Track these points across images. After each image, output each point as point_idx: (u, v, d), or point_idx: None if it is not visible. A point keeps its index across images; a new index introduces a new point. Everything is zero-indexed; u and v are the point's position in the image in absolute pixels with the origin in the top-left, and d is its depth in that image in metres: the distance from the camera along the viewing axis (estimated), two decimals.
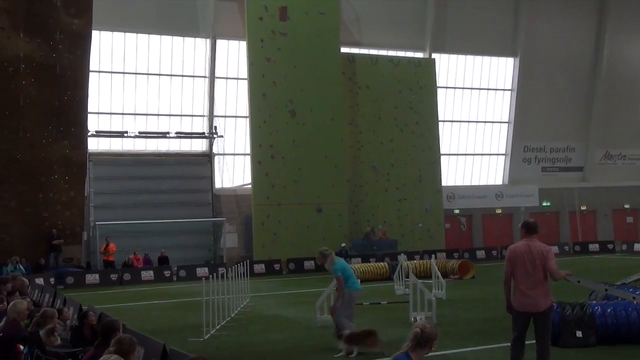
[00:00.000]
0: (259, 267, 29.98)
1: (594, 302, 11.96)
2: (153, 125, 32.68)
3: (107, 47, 31.53)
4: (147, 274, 28.56)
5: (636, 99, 41.41)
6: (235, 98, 33.66)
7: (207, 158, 33.36)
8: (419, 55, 36.86)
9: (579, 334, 10.74)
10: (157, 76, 32.66)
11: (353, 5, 35.04)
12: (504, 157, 39.75)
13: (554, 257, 8.25)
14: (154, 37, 32.29)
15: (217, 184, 33.59)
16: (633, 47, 41.18)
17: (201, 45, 33.10)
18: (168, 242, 31.00)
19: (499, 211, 38.69)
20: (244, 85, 32.68)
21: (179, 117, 33.11)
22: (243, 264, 18.62)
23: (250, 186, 32.02)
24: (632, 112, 41.40)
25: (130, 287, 26.53)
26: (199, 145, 33.67)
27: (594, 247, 37.12)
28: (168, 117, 32.90)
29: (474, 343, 11.48)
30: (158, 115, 32.80)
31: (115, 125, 32.04)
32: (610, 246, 37.12)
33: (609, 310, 10.95)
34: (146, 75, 32.45)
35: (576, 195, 40.43)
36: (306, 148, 31.79)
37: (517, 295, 8.18)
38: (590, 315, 10.86)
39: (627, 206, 41.67)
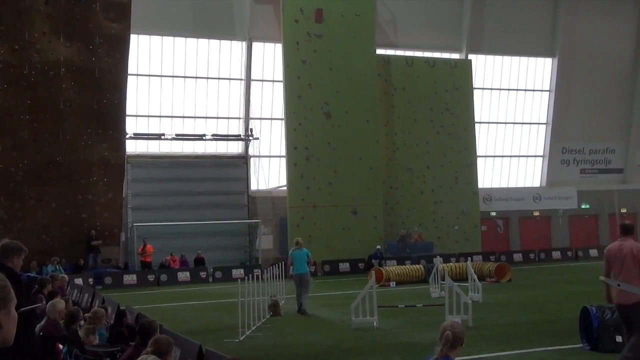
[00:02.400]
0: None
1: None
2: (190, 128, 33.01)
3: (145, 51, 31.92)
4: (184, 275, 28.82)
5: None
6: (270, 100, 33.81)
7: (242, 160, 33.55)
8: (455, 56, 36.60)
9: (618, 338, 10.54)
10: (194, 79, 32.95)
11: (388, 7, 34.94)
12: (541, 158, 39.26)
13: None
14: (191, 41, 32.59)
15: (253, 186, 33.78)
16: None
17: (237, 48, 33.32)
18: (204, 244, 31.22)
19: (536, 214, 38.22)
20: (279, 88, 32.81)
21: (215, 120, 33.37)
22: (278, 265, 18.66)
23: (285, 188, 32.10)
24: None
25: (167, 287, 26.79)
26: (235, 148, 33.88)
27: None
28: (204, 119, 33.18)
29: (510, 347, 11.34)
30: (195, 117, 33.09)
31: (153, 127, 32.44)
32: None
33: None
34: (183, 78, 32.77)
35: (616, 198, 39.71)
36: (341, 150, 31.78)
37: (615, 291, 8.87)
38: None
39: None
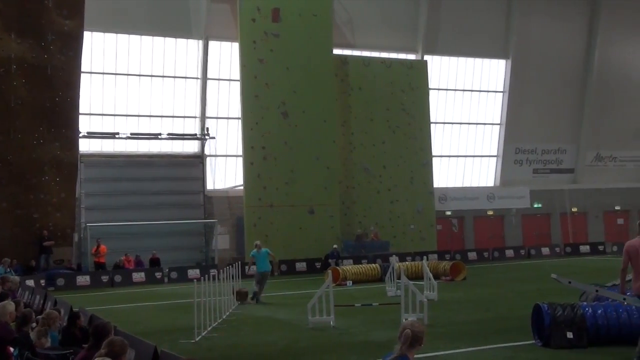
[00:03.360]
0: (251, 269, 29.79)
1: (585, 303, 12.00)
2: (145, 127, 32.62)
3: (99, 48, 31.44)
4: (139, 276, 28.49)
5: (627, 100, 41.56)
6: (227, 99, 33.63)
7: (199, 159, 33.31)
8: (411, 57, 36.91)
9: (569, 335, 10.78)
10: (149, 77, 32.59)
11: (345, 7, 35.07)
12: (495, 158, 39.83)
13: None
14: (146, 39, 32.22)
15: (209, 186, 33.56)
16: (624, 50, 41.32)
17: (193, 46, 33.06)
18: (159, 244, 30.93)
19: (490, 213, 38.78)
20: (236, 87, 32.65)
21: (171, 119, 33.04)
22: (234, 265, 18.60)
23: (242, 188, 31.98)
24: (623, 114, 41.55)
25: (121, 288, 26.45)
26: (191, 147, 33.61)
27: (584, 248, 37.28)
28: (160, 118, 32.84)
29: (465, 344, 11.51)
30: (150, 116, 32.72)
31: (107, 126, 31.95)
32: (601, 247, 37.29)
33: (599, 311, 10.99)
34: (138, 77, 32.38)
35: (567, 197, 40.55)
36: (298, 149, 31.80)
37: (636, 284, 9.45)
38: (581, 316, 10.90)
39: (617, 208, 41.84)
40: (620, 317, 10.86)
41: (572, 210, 40.66)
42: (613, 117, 41.23)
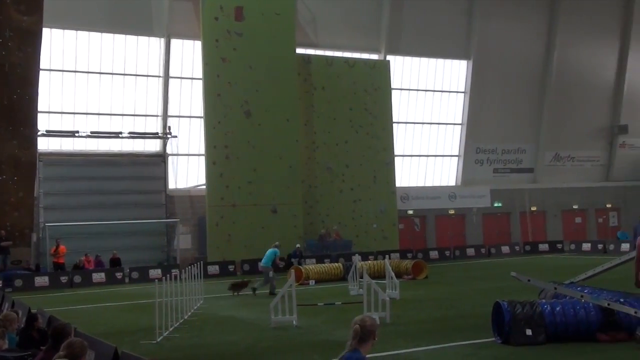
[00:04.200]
0: (213, 269, 29.83)
1: (544, 300, 12.19)
2: (105, 125, 32.19)
3: (58, 45, 30.94)
4: (99, 276, 28.15)
5: (584, 101, 42.37)
6: (189, 98, 33.37)
7: (160, 158, 33.02)
8: (374, 57, 37.08)
9: (528, 332, 10.95)
10: (110, 75, 32.19)
11: (309, 7, 35.09)
12: (456, 158, 40.24)
13: None
14: (107, 36, 31.82)
15: (171, 185, 33.29)
16: (581, 51, 42.10)
17: (155, 44, 32.75)
18: (120, 244, 30.58)
19: (451, 212, 39.17)
20: (198, 86, 32.44)
21: (132, 117, 32.68)
22: (197, 265, 18.51)
23: (204, 187, 31.81)
24: (581, 114, 42.34)
25: (81, 289, 26.08)
26: (153, 146, 33.29)
27: (543, 247, 37.86)
28: (121, 116, 32.45)
29: (426, 342, 11.61)
30: (111, 115, 32.32)
31: (67, 124, 31.43)
32: (559, 246, 37.91)
33: (557, 308, 11.18)
34: (98, 74, 31.96)
35: (527, 196, 41.17)
36: (261, 149, 31.73)
37: None
38: (540, 313, 11.08)
39: (575, 207, 42.61)
40: (578, 314, 11.07)
41: (532, 209, 41.29)
42: (571, 118, 41.98)
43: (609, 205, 43.33)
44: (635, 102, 43.82)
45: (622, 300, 10.98)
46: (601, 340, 10.90)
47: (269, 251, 21.62)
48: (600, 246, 35.78)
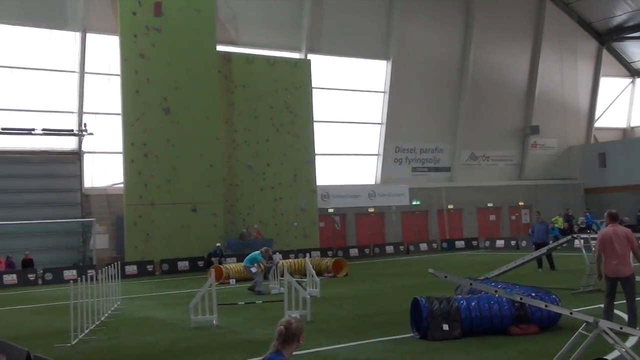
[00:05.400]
0: (131, 269, 29.30)
1: (460, 296, 12.52)
2: (18, 122, 30.99)
3: None
4: (10, 278, 27.20)
5: (499, 103, 43.74)
6: (107, 94, 32.54)
7: (76, 156, 32.10)
8: (295, 55, 37.15)
9: (445, 327, 11.22)
10: (22, 70, 31.08)
11: (229, 4, 34.84)
12: (376, 157, 40.75)
13: (634, 238, 10.93)
14: (19, 29, 30.70)
15: (87, 183, 32.41)
16: (496, 54, 43.43)
17: (70, 38, 31.81)
18: (33, 244, 29.63)
19: (371, 210, 39.67)
20: (116, 82, 31.68)
21: (46, 113, 31.61)
22: (114, 265, 18.12)
23: (122, 185, 31.14)
24: (495, 115, 43.68)
25: None
26: (68, 143, 32.32)
27: (460, 244, 38.88)
28: (34, 113, 31.32)
29: (347, 340, 11.72)
30: (23, 111, 31.16)
31: None
32: (474, 243, 39.01)
33: (473, 303, 11.51)
34: (10, 69, 30.82)
35: (444, 195, 42.14)
36: (181, 147, 31.32)
37: (608, 266, 10.97)
38: (456, 309, 11.37)
39: (490, 205, 43.90)
40: (492, 309, 11.43)
41: (448, 207, 42.29)
42: (486, 119, 43.26)
43: (521, 203, 44.89)
44: (546, 103, 45.56)
45: (533, 294, 11.41)
46: (514, 334, 11.29)
47: (253, 254, 21.29)
48: (513, 243, 37.04)
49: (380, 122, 40.32)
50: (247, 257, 21.15)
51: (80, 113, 31.98)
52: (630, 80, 50.60)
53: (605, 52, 48.50)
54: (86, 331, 13.42)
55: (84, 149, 32.18)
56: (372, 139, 40.35)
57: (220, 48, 33.57)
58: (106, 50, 32.23)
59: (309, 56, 37.11)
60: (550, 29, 44.94)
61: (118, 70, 31.07)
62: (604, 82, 48.79)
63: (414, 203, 40.92)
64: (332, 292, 19.29)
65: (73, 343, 12.36)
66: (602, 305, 13.59)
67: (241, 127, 34.06)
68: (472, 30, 41.99)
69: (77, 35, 31.68)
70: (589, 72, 48.09)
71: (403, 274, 25.20)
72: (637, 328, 10.17)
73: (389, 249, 37.15)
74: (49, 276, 27.74)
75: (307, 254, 22.80)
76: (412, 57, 40.24)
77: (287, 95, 35.21)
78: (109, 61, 32.19)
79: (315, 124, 36.45)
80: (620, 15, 45.99)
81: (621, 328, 8.57)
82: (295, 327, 5.06)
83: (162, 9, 31.37)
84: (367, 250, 36.48)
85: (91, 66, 32.16)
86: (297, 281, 14.99)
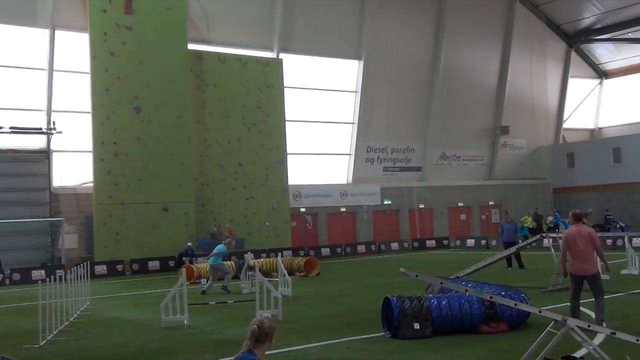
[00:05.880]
0: (101, 269, 29.03)
1: (431, 295, 12.62)
2: None
3: None
4: None
5: (469, 103, 44.09)
6: (76, 92, 32.14)
7: (44, 155, 31.66)
8: (267, 54, 37.06)
9: (416, 326, 11.29)
10: None
11: (201, 2, 34.64)
12: (348, 157, 40.82)
13: (597, 237, 11.27)
14: None
15: (56, 183, 31.99)
16: (467, 55, 43.77)
17: (39, 35, 31.37)
18: (0, 244, 29.14)
19: (343, 209, 39.75)
20: (85, 80, 31.30)
21: (14, 111, 31.15)
22: (83, 265, 17.94)
23: (91, 184, 30.81)
24: (466, 115, 44.04)
25: None
26: (36, 142, 31.87)
27: (431, 243, 39.13)
28: (2, 111, 30.83)
29: (318, 339, 11.74)
30: None
31: None
32: (445, 242, 39.28)
33: (444, 302, 11.60)
34: None
35: (415, 194, 42.36)
36: (152, 146, 31.08)
37: (573, 265, 11.24)
38: (427, 308, 11.45)
39: (460, 204, 44.25)
40: (463, 307, 11.54)
41: (420, 206, 42.53)
42: (457, 119, 43.59)
43: (491, 203, 45.31)
44: (515, 104, 46.04)
45: (503, 293, 11.53)
46: (484, 332, 11.40)
47: (218, 247, 21.18)
48: (483, 242, 37.38)
49: (352, 121, 40.40)
50: (214, 253, 20.93)
51: (49, 111, 31.56)
52: (598, 81, 51.35)
53: (573, 54, 49.18)
54: (55, 332, 13.27)
55: (52, 147, 31.75)
56: (344, 138, 40.41)
57: (191, 47, 33.40)
58: (76, 47, 31.85)
59: (281, 55, 37.06)
60: (520, 31, 45.43)
61: (88, 68, 30.72)
62: (573, 83, 49.46)
63: (385, 202, 41.08)
64: (303, 292, 19.30)
65: (41, 344, 12.21)
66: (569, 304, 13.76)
67: (213, 126, 33.91)
68: (443, 31, 42.28)
69: (46, 32, 31.27)
70: (558, 74, 48.73)
71: (374, 273, 25.29)
72: (604, 325, 10.33)
73: (361, 248, 37.26)
74: (16, 276, 27.35)
75: (279, 254, 22.71)
76: (383, 57, 40.39)
77: (259, 94, 35.13)
78: (78, 59, 31.81)
79: (287, 123, 36.41)
80: (588, 18, 46.65)
81: (589, 326, 8.71)
82: (268, 326, 5.07)
83: (132, 6, 31.09)
84: (338, 250, 36.55)
85: (60, 64, 31.76)
86: (268, 280, 14.97)
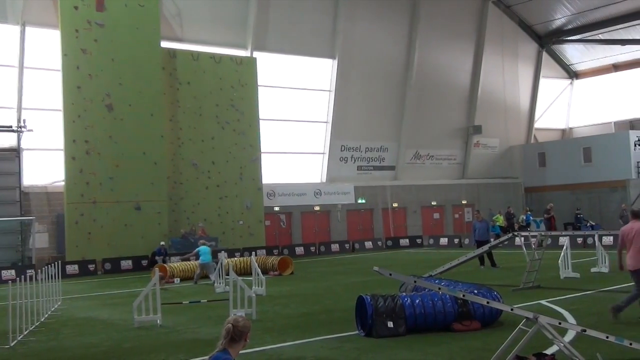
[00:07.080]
0: (72, 268, 28.72)
1: (404, 294, 12.68)
2: None
3: None
4: None
5: (442, 102, 44.34)
6: (47, 90, 31.75)
7: (14, 153, 31.20)
8: (241, 53, 36.92)
9: (390, 324, 11.34)
10: None
11: (174, 0, 34.42)
12: (322, 156, 40.84)
13: None
14: None
15: (26, 181, 31.56)
16: (440, 55, 44.02)
17: (9, 32, 30.92)
18: None
19: (317, 208, 39.75)
20: (57, 77, 30.93)
21: None
22: (54, 265, 17.74)
23: (62, 183, 30.47)
24: (439, 115, 44.28)
25: None
26: (6, 140, 31.40)
27: (404, 241, 39.32)
28: None
29: (292, 338, 11.74)
30: None
31: None
32: (418, 241, 39.50)
33: (417, 301, 11.66)
34: None
35: (388, 193, 42.52)
36: (124, 144, 30.83)
37: (630, 259, 11.51)
38: (401, 306, 11.51)
39: (434, 203, 44.49)
40: (436, 306, 11.61)
41: (393, 205, 42.69)
42: (430, 118, 43.82)
43: (464, 202, 45.64)
44: (488, 104, 46.41)
45: (475, 291, 11.63)
46: (457, 330, 11.48)
47: (203, 248, 22.56)
48: (456, 240, 37.66)
49: (325, 120, 40.41)
50: (204, 253, 22.05)
51: (19, 109, 31.12)
52: (569, 82, 51.98)
53: (545, 55, 49.69)
54: (25, 332, 13.12)
55: (23, 145, 31.32)
56: (318, 137, 40.41)
57: (164, 44, 33.17)
58: (47, 44, 31.45)
59: (255, 54, 36.95)
60: (493, 31, 45.80)
61: (59, 66, 30.36)
62: (544, 83, 50.00)
63: (359, 201, 41.17)
64: (277, 291, 19.29)
65: (12, 345, 12.06)
66: (541, 302, 13.96)
67: (186, 125, 33.72)
68: (416, 31, 42.47)
69: (17, 29, 30.83)
70: (530, 74, 49.23)
71: (348, 271, 25.35)
72: None
73: (335, 247, 37.32)
74: None
75: (253, 253, 22.76)
76: (357, 56, 40.47)
77: (232, 92, 35.02)
78: (49, 56, 31.41)
79: (261, 122, 36.32)
80: (559, 19, 47.19)
81: (560, 323, 8.82)
82: (243, 325, 5.07)
83: (104, 3, 30.80)
84: (312, 249, 36.57)
85: (31, 61, 31.34)
86: (242, 280, 14.93)
